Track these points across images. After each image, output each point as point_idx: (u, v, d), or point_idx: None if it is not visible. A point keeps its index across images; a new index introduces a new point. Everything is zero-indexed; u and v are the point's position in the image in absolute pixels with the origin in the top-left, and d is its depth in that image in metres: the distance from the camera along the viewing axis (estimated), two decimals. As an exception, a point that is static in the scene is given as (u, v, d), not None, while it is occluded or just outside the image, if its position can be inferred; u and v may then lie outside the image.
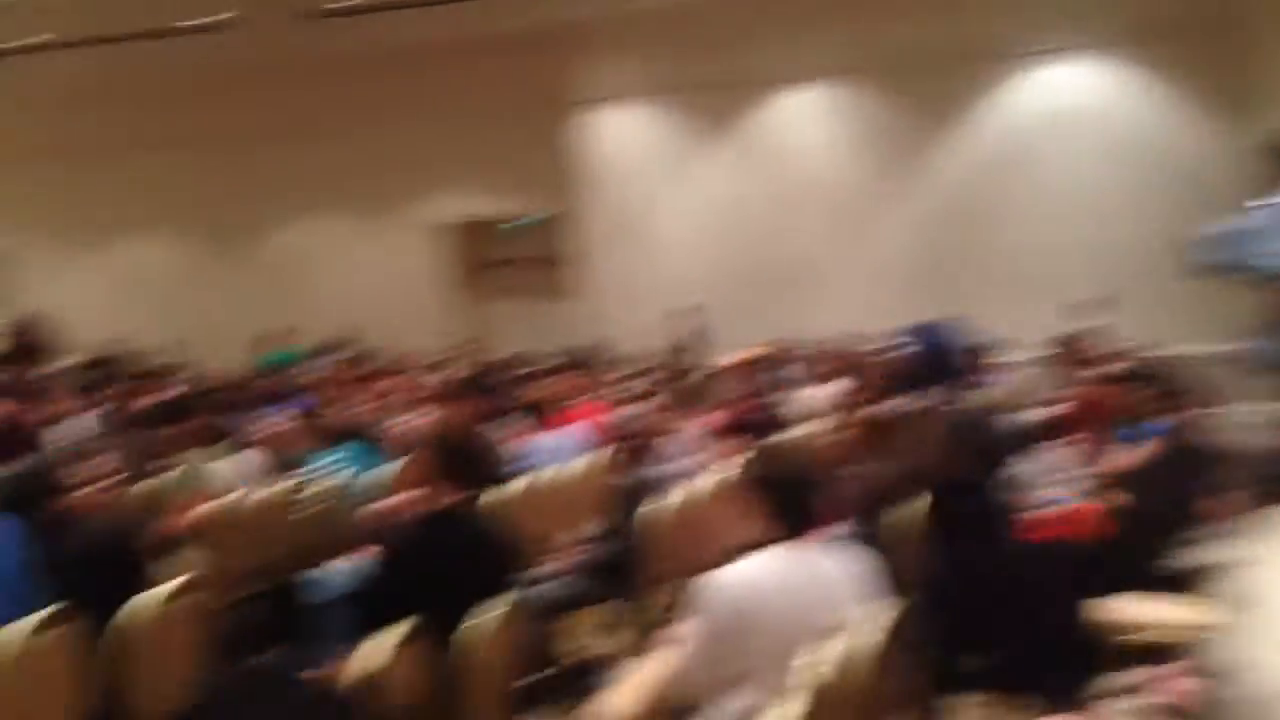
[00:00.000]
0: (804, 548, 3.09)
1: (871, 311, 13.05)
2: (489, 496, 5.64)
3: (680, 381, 9.55)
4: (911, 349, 3.76)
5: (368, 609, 4.06)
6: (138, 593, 3.60)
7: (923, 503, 4.43)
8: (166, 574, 3.98)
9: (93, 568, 3.80)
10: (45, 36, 14.83)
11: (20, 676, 3.07)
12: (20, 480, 3.99)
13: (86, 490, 4.05)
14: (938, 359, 3.74)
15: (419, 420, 3.88)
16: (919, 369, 3.73)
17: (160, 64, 15.65)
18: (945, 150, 13.91)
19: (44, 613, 3.23)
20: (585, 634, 5.67)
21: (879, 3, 13.36)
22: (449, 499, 3.75)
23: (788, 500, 3.08)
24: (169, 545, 5.04)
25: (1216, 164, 11.72)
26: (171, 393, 9.52)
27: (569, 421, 7.75)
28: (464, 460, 3.81)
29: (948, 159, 13.88)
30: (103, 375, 12.13)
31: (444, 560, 3.58)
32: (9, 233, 18.09)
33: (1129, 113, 12.81)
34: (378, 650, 3.23)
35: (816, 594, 3.01)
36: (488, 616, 3.37)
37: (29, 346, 5.13)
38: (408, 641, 3.30)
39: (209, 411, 7.44)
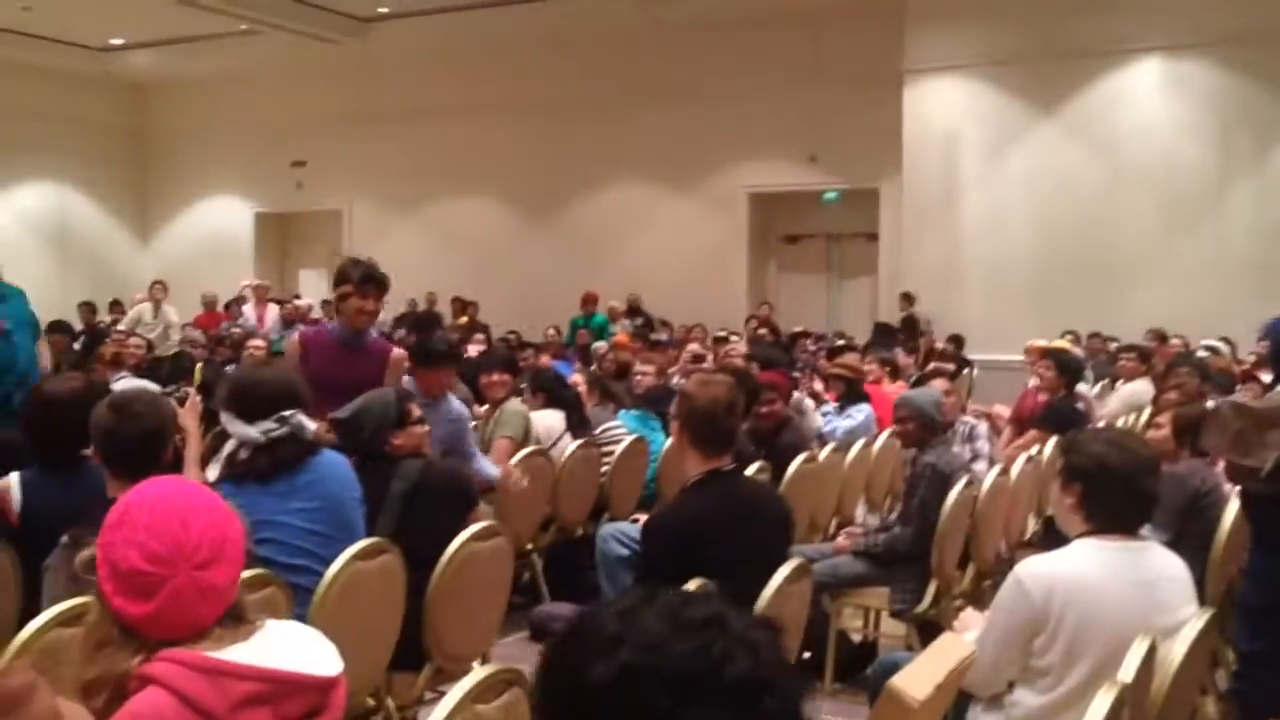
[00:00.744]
0: (1124, 544, 2.95)
1: (1196, 309, 12.19)
2: (780, 470, 5.67)
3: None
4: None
5: (638, 570, 4.14)
6: (453, 533, 3.80)
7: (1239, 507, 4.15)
8: (474, 518, 4.19)
9: (413, 506, 4.05)
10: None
11: (345, 599, 3.30)
12: (348, 423, 4.27)
13: (406, 434, 4.30)
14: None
15: (699, 388, 3.90)
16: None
17: (498, 32, 16.33)
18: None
19: (367, 541, 3.45)
20: (866, 616, 5.62)
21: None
22: (713, 468, 3.78)
23: (1109, 494, 2.95)
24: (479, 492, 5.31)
25: None
26: (482, 348, 9.99)
27: (864, 399, 7.67)
28: (729, 431, 3.83)
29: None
30: (416, 327, 12.87)
31: (702, 529, 3.60)
32: (342, 191, 19.41)
33: None
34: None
35: (1133, 594, 2.87)
36: (769, 588, 3.36)
37: (378, 282, 5.27)
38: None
39: (515, 368, 7.76)
